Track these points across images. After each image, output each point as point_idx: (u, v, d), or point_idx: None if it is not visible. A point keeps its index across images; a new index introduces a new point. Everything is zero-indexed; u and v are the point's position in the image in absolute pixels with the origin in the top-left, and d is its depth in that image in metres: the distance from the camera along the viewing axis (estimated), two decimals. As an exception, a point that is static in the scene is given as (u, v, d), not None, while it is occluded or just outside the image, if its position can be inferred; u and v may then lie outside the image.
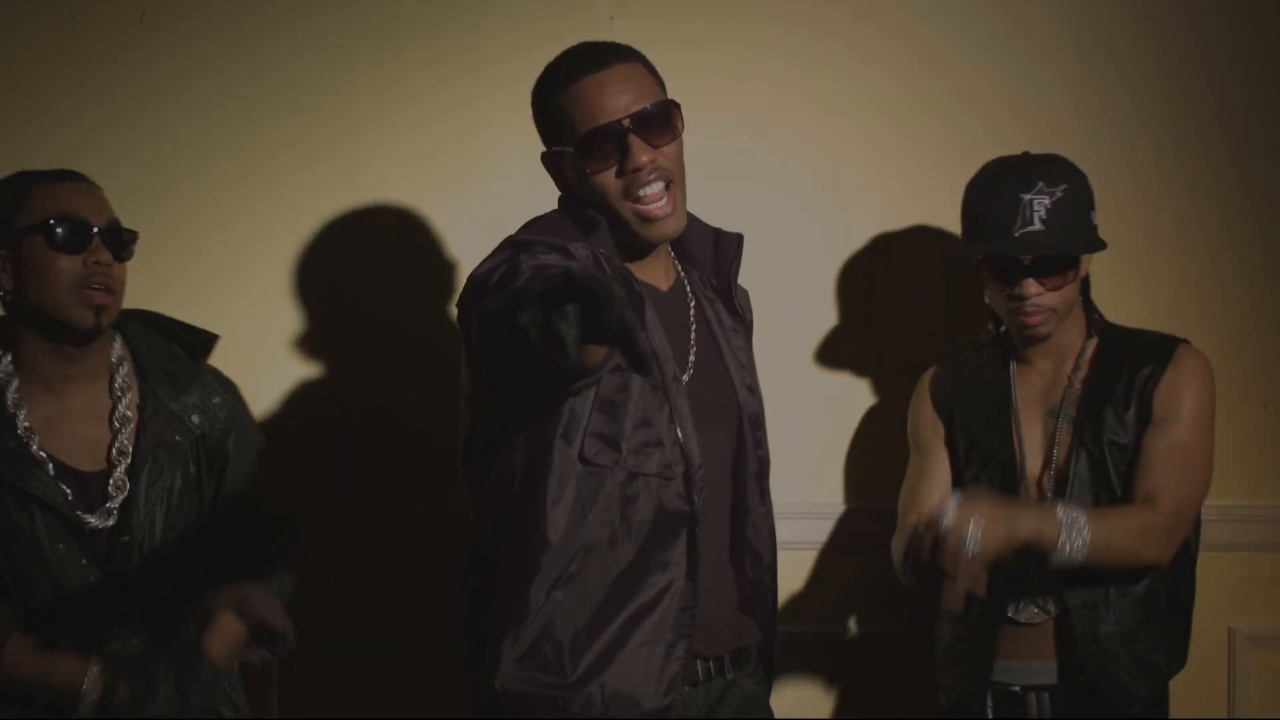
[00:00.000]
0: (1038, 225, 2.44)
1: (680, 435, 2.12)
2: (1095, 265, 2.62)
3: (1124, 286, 2.79)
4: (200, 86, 2.88)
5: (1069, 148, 2.61)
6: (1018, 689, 2.49)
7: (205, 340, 2.40)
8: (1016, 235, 2.44)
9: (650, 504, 2.09)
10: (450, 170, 2.90)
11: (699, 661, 2.17)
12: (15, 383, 2.28)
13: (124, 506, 2.25)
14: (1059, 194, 2.46)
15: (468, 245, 2.82)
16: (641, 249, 2.19)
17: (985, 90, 2.93)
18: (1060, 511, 2.36)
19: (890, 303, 2.94)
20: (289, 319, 2.87)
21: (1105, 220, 2.66)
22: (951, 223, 2.88)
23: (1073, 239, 2.46)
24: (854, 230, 2.94)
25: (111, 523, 2.25)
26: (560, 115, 2.15)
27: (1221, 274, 2.95)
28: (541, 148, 2.22)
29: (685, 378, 2.18)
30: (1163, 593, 2.46)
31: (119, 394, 2.31)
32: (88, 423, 2.30)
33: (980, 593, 2.26)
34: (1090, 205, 2.52)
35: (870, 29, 2.93)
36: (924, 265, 2.90)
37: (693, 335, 2.23)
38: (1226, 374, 2.74)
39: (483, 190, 2.87)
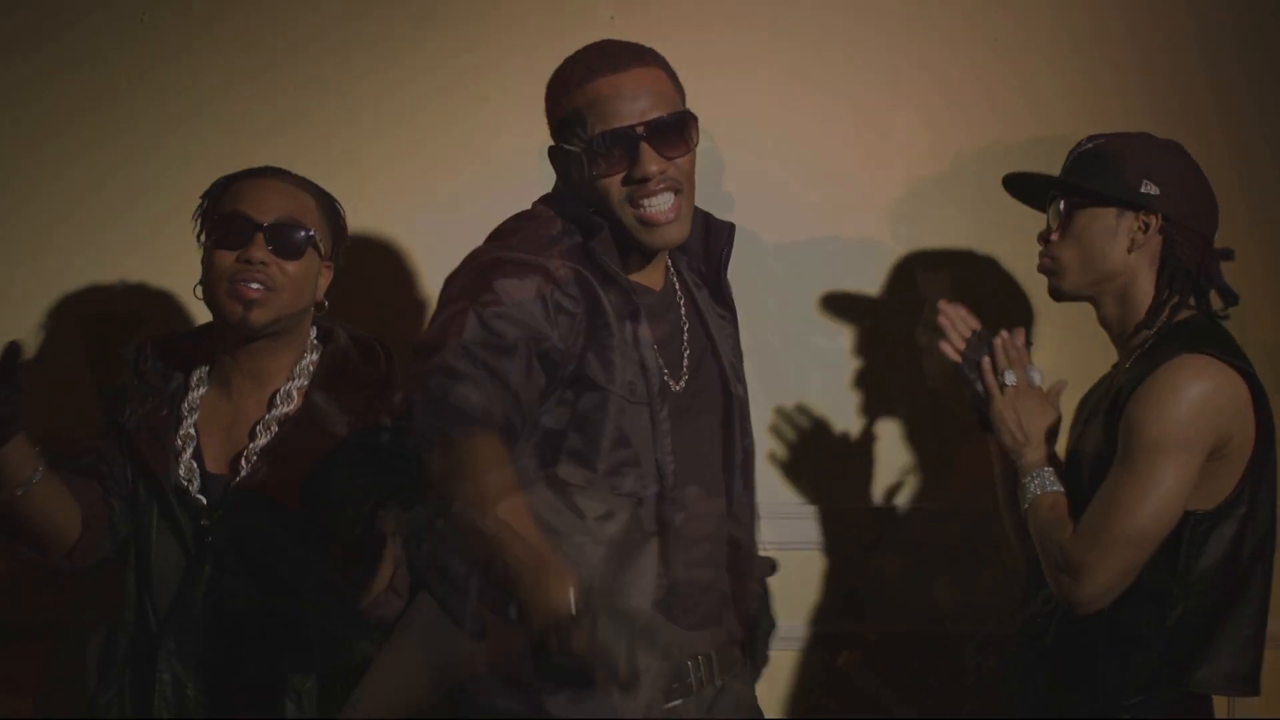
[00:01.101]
0: (1063, 170, 2.40)
1: (658, 456, 2.07)
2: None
3: (1124, 286, 2.79)
4: (200, 86, 2.89)
5: (1069, 148, 2.61)
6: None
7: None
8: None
9: (622, 524, 2.04)
10: (450, 170, 2.90)
11: (688, 663, 2.13)
12: (202, 389, 2.31)
13: (221, 515, 2.25)
14: (1092, 145, 2.39)
15: (467, 245, 2.81)
16: (642, 253, 2.15)
17: (985, 88, 2.93)
18: (1049, 468, 2.34)
19: (891, 299, 2.94)
20: (289, 319, 2.87)
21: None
22: (951, 218, 2.88)
23: (1074, 180, 2.36)
24: (854, 227, 2.93)
25: (205, 523, 2.25)
26: (572, 112, 2.09)
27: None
28: (546, 140, 2.18)
29: (680, 385, 2.16)
30: (1125, 613, 2.26)
31: (279, 402, 2.30)
32: (239, 425, 2.30)
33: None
34: (1135, 170, 2.33)
35: (871, 26, 2.93)
36: (925, 262, 2.90)
37: (685, 336, 2.21)
38: (1226, 374, 2.73)
39: (483, 190, 2.87)
